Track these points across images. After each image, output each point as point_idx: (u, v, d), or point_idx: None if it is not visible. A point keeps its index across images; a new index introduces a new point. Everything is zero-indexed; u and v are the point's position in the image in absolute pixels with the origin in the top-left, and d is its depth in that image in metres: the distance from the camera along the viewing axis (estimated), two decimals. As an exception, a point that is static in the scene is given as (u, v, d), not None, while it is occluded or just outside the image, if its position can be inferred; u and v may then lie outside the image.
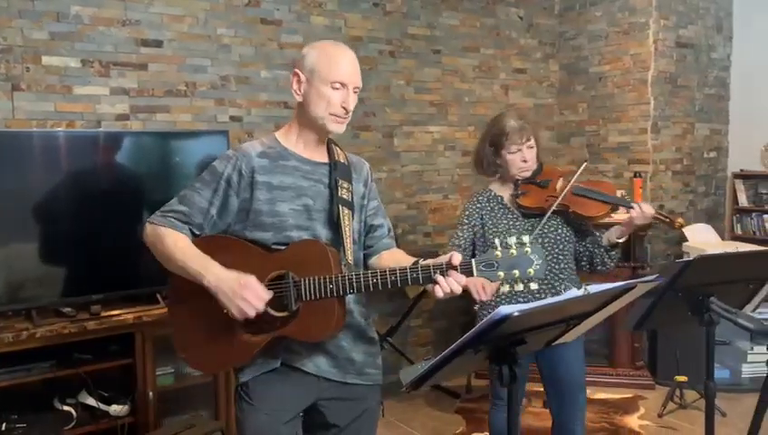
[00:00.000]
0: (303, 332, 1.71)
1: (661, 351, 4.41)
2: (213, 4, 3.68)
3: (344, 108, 1.75)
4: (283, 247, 1.74)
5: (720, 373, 4.30)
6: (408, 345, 4.51)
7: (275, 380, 1.78)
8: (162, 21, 3.53)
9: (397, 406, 4.01)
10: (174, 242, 1.74)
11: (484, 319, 1.25)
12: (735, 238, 4.87)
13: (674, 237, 4.78)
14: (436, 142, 4.61)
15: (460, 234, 2.56)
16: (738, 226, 4.95)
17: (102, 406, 2.93)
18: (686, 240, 4.56)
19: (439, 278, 1.62)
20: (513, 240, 1.59)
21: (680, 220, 2.46)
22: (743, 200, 4.95)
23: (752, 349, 4.26)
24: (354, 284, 1.66)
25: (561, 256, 2.48)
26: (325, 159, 1.86)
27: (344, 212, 1.81)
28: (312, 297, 1.67)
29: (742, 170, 4.98)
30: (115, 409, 2.93)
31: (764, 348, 4.31)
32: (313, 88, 1.75)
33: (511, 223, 2.49)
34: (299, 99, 1.79)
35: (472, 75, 4.75)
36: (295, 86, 1.79)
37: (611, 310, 1.61)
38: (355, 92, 1.79)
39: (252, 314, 1.64)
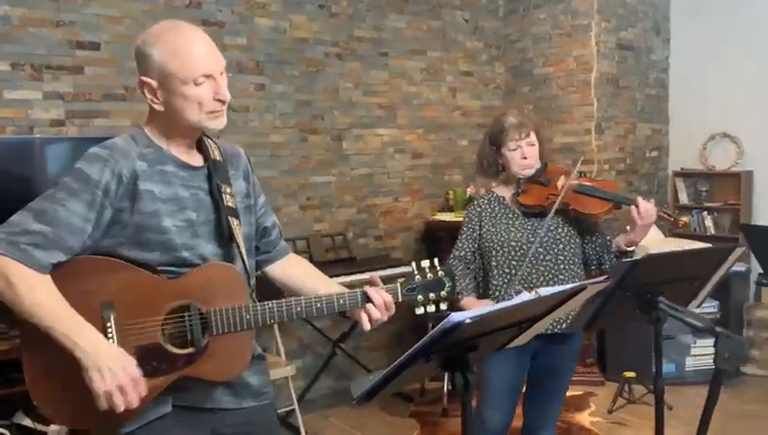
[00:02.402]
0: (214, 370, 1.49)
1: (609, 348, 4.50)
2: (152, 5, 3.57)
3: (219, 100, 1.47)
4: (180, 270, 1.48)
5: (665, 367, 4.38)
6: (360, 350, 4.46)
7: (168, 426, 1.51)
8: (98, 22, 3.40)
9: (349, 413, 3.96)
10: (29, 290, 1.33)
11: (435, 327, 1.22)
12: (677, 235, 5.00)
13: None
14: (386, 145, 4.59)
15: (461, 244, 2.46)
16: (662, 223, 5.07)
17: (40, 427, 2.79)
18: (631, 238, 4.67)
19: (370, 307, 1.56)
20: (426, 263, 1.61)
21: (684, 219, 2.36)
22: (683, 198, 5.09)
23: (695, 343, 4.39)
24: (276, 313, 1.50)
25: (560, 257, 2.40)
26: (201, 161, 1.57)
27: (234, 223, 1.55)
28: (225, 330, 1.47)
29: (682, 169, 5.12)
30: (53, 429, 2.80)
31: (707, 342, 4.45)
32: (174, 93, 1.44)
33: (510, 223, 2.42)
34: (159, 108, 1.47)
35: (419, 78, 4.75)
36: (149, 96, 1.46)
37: (564, 311, 1.61)
38: (223, 74, 1.49)
39: (121, 410, 1.35)
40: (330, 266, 3.70)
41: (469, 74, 5.05)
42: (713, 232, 4.90)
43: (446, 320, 1.17)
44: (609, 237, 2.46)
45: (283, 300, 1.54)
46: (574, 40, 4.80)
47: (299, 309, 1.53)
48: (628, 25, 4.89)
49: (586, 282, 1.48)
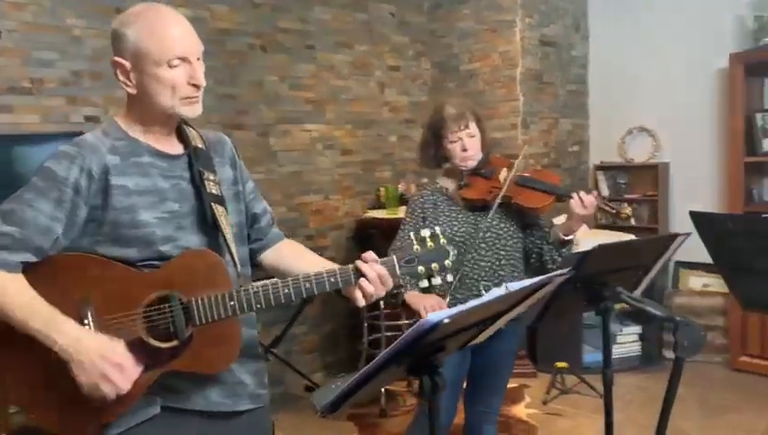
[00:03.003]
0: (201, 362, 1.41)
1: (540, 339, 4.56)
2: (60, -9, 3.28)
3: (194, 85, 1.42)
4: (160, 264, 1.42)
5: (593, 356, 4.53)
6: (293, 354, 4.32)
7: (157, 429, 1.44)
8: (1, 9, 3.09)
9: (285, 418, 3.81)
10: (1, 289, 1.31)
11: (410, 329, 1.12)
12: (600, 227, 5.15)
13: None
14: (315, 141, 4.46)
15: (403, 235, 2.36)
16: (601, 214, 5.23)
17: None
18: (558, 230, 4.76)
19: (364, 282, 1.46)
20: (426, 232, 1.48)
21: (626, 211, 2.33)
22: (604, 190, 5.24)
23: (620, 331, 4.53)
24: (262, 297, 1.41)
25: (501, 252, 2.35)
26: (181, 150, 1.51)
27: (219, 211, 1.49)
28: (209, 320, 1.40)
29: (602, 162, 5.27)
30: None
31: (632, 330, 4.60)
32: (147, 75, 1.40)
33: (453, 216, 2.37)
34: (132, 91, 1.43)
35: (347, 72, 4.64)
36: (122, 78, 1.43)
37: (524, 307, 1.56)
38: (200, 60, 1.44)
39: (112, 397, 1.32)
40: (261, 268, 3.53)
41: (396, 69, 4.99)
42: (633, 223, 5.06)
43: (421, 321, 1.08)
44: (546, 229, 2.46)
45: (269, 282, 1.45)
46: (499, 36, 4.83)
47: (287, 291, 1.43)
48: (550, 22, 4.98)
49: (551, 274, 1.43)
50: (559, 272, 1.49)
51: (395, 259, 1.48)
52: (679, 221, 4.93)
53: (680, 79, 4.78)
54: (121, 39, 1.42)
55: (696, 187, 4.79)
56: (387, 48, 4.92)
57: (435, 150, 2.41)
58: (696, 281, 4.77)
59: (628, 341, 4.58)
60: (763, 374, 4.19)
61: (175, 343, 1.39)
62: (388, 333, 3.96)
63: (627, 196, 5.12)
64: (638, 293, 2.28)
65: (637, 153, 5.09)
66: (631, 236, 4.57)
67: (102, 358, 1.30)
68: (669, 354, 4.59)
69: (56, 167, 1.39)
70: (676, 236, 2.10)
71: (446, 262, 1.47)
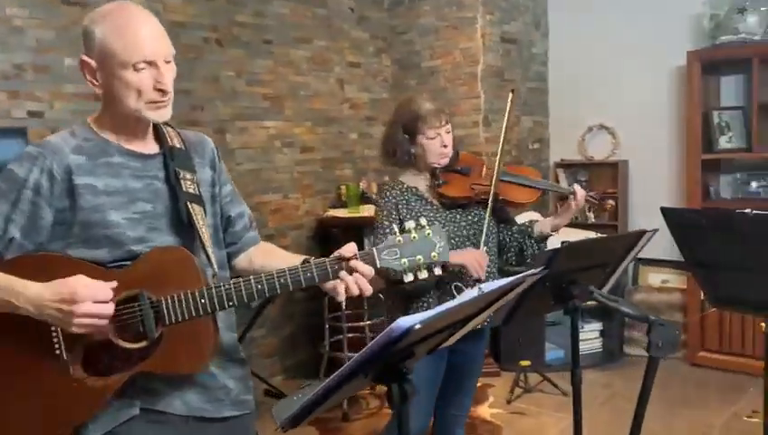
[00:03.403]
0: (171, 364, 1.38)
1: (504, 338, 4.53)
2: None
3: (160, 90, 1.39)
4: (129, 263, 1.38)
5: (555, 354, 4.53)
6: (252, 358, 4.18)
7: (137, 431, 1.41)
8: (-69, -5, 2.89)
9: (245, 425, 3.68)
10: None
11: (378, 336, 1.04)
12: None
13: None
14: (273, 138, 4.33)
15: (382, 229, 2.25)
16: (587, 207, 5.23)
17: None
18: (520, 228, 4.75)
19: (344, 274, 1.39)
20: (411, 224, 1.41)
21: (610, 202, 2.35)
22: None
23: (582, 328, 4.53)
24: (234, 294, 1.36)
25: (486, 250, 2.30)
26: (156, 149, 1.49)
27: (195, 210, 1.47)
28: (179, 319, 1.36)
29: (562, 160, 5.28)
30: None
31: (594, 326, 4.61)
32: (113, 76, 1.37)
33: (432, 216, 2.27)
34: (98, 91, 1.42)
35: (306, 68, 4.53)
36: (89, 77, 1.41)
37: (495, 308, 1.49)
38: (168, 63, 1.41)
39: (103, 323, 1.30)
40: (218, 270, 3.40)
41: (356, 66, 4.90)
42: (593, 220, 5.08)
43: (392, 327, 0.99)
44: (527, 223, 2.41)
45: (241, 278, 1.40)
46: (460, 32, 4.79)
47: (260, 287, 1.38)
48: (511, 19, 4.96)
49: (525, 274, 1.37)
50: (531, 271, 1.42)
51: (375, 251, 1.42)
52: (639, 218, 4.97)
53: (639, 77, 4.81)
54: (89, 37, 1.38)
55: (655, 184, 4.83)
56: (347, 44, 4.83)
57: (407, 148, 2.30)
58: (655, 277, 4.82)
59: (589, 338, 4.59)
60: (720, 369, 4.24)
61: (144, 343, 1.35)
62: (351, 335, 3.87)
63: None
64: (605, 290, 2.25)
65: (597, 151, 5.12)
66: (592, 234, 4.59)
67: (61, 301, 1.27)
68: (631, 351, 4.63)
69: (18, 168, 1.37)
70: (643, 232, 2.07)
71: (433, 254, 1.39)
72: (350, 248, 1.42)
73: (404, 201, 2.29)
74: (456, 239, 2.27)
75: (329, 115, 4.68)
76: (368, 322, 3.81)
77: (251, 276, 1.40)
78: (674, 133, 4.72)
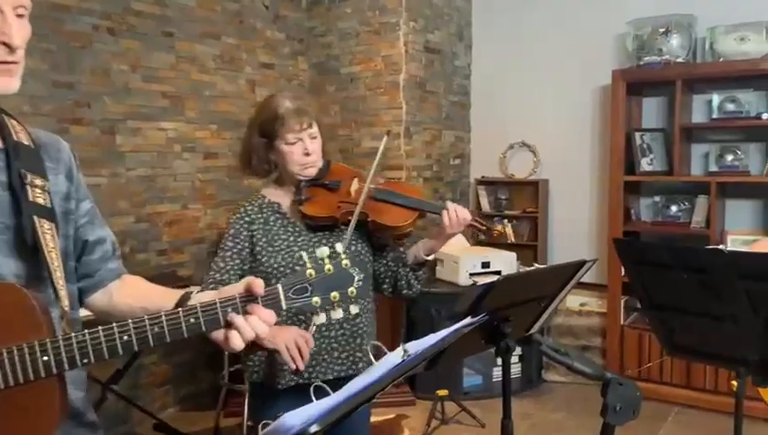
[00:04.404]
0: None
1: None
2: None
3: (4, 43, 1.05)
4: None
5: (472, 380, 4.30)
6: (140, 389, 3.71)
7: None
8: None
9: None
10: None
11: None
12: (480, 243, 4.96)
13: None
14: (172, 142, 3.89)
15: (223, 266, 1.85)
16: (472, 232, 5.04)
17: None
18: (439, 247, 4.51)
19: (238, 321, 1.06)
20: (324, 252, 1.10)
21: (499, 228, 2.06)
22: (485, 205, 5.07)
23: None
24: (91, 349, 1.01)
25: (360, 281, 1.92)
26: None
27: (44, 227, 1.13)
28: (12, 382, 1.00)
29: (483, 177, 5.10)
30: None
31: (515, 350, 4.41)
32: None
33: (292, 239, 1.91)
34: None
35: (213, 66, 4.12)
36: None
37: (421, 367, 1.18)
38: (20, 15, 1.08)
39: None
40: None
41: (270, 67, 4.53)
42: (512, 240, 4.92)
43: (275, 427, 0.65)
44: (401, 249, 2.06)
45: (101, 327, 1.04)
46: (382, 38, 4.52)
47: (126, 338, 1.03)
48: (435, 28, 4.74)
49: (461, 324, 1.07)
50: (475, 320, 1.13)
51: (280, 289, 1.09)
52: (558, 238, 4.85)
53: (562, 95, 4.71)
54: None
55: (576, 204, 4.72)
56: (260, 43, 4.45)
57: (264, 154, 1.91)
58: (573, 300, 4.69)
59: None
60: (638, 396, 4.13)
61: None
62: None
63: (507, 212, 4.99)
64: (537, 325, 2.00)
65: (517, 169, 4.97)
66: (512, 254, 4.42)
67: None
68: (549, 377, 4.46)
69: None
70: (583, 263, 1.83)
71: (351, 289, 1.10)
72: (258, 285, 1.08)
73: (261, 220, 1.90)
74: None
75: (237, 119, 4.27)
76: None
77: (114, 324, 1.04)
78: (596, 153, 4.63)
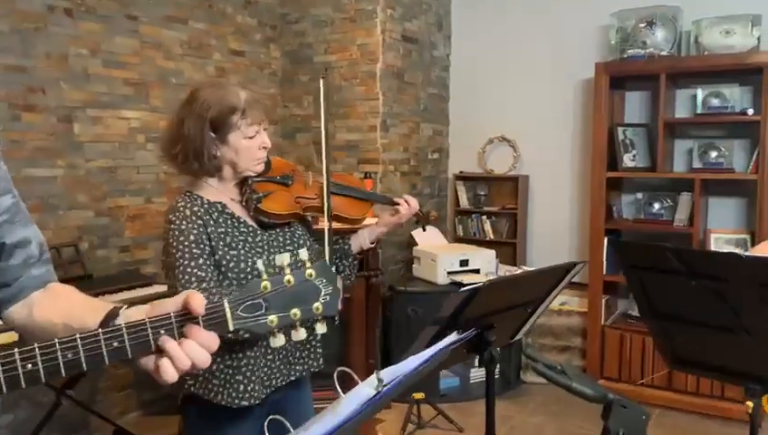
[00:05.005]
0: None
1: (395, 363, 4.10)
2: None
3: None
4: None
5: (449, 382, 4.16)
6: (99, 393, 3.50)
7: None
8: None
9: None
10: None
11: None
12: (458, 240, 4.83)
13: (403, 241, 4.55)
14: (135, 131, 3.67)
15: (202, 274, 1.61)
16: (460, 227, 4.92)
17: None
18: (416, 244, 4.36)
19: (170, 346, 0.86)
20: (285, 259, 0.90)
21: (434, 213, 2.29)
22: (463, 201, 4.94)
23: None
24: None
25: None
26: None
27: None
28: None
29: (461, 172, 4.96)
30: None
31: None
32: None
33: (249, 241, 1.72)
34: None
35: (179, 52, 3.90)
36: None
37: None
38: None
39: None
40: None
41: (240, 54, 4.32)
42: (491, 237, 4.80)
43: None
44: (342, 239, 1.97)
45: (3, 354, 0.84)
46: (358, 26, 4.34)
47: (30, 367, 0.82)
48: (413, 16, 4.57)
49: (446, 343, 0.91)
50: (462, 337, 0.97)
51: (227, 306, 0.89)
52: (538, 236, 4.74)
53: (543, 89, 4.58)
54: None
55: (557, 201, 4.61)
56: (230, 29, 4.24)
57: (215, 150, 1.69)
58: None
59: (486, 364, 4.25)
60: (619, 398, 4.03)
61: None
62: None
63: (486, 208, 4.85)
64: (522, 332, 1.86)
65: (497, 164, 4.83)
66: (491, 251, 4.28)
67: None
68: (528, 378, 4.34)
69: None
70: (573, 265, 1.69)
71: (316, 305, 0.90)
72: (197, 302, 0.88)
73: (212, 223, 1.68)
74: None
75: (205, 109, 4.07)
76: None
77: (15, 350, 0.84)
78: (577, 149, 4.52)
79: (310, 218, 1.95)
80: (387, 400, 0.82)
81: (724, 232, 3.88)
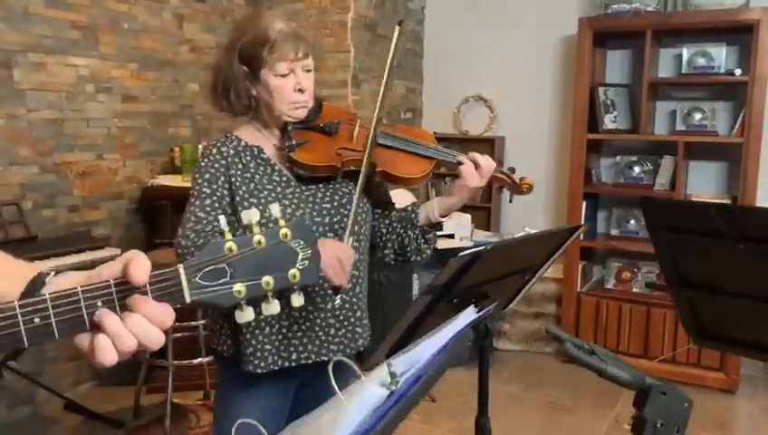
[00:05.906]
0: None
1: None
2: None
3: None
4: None
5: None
6: (47, 364, 3.25)
7: None
8: None
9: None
10: None
11: None
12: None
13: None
14: (84, 81, 3.35)
15: (202, 214, 1.47)
16: (433, 190, 4.73)
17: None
18: (388, 207, 4.16)
19: (109, 321, 0.68)
20: (253, 215, 0.72)
21: (528, 180, 1.69)
22: (437, 164, 4.74)
23: (452, 320, 4.06)
24: None
25: (355, 244, 1.57)
26: None
27: None
28: None
29: (435, 133, 4.72)
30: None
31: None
32: None
33: (280, 191, 1.54)
34: None
35: (133, -6, 3.58)
36: None
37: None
38: None
39: None
40: (-13, 253, 2.46)
41: (200, 0, 4.00)
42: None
43: None
44: (410, 207, 1.71)
45: None
46: (328, -29, 4.05)
47: None
48: (387, -36, 4.30)
49: (465, 323, 0.72)
50: (487, 309, 0.78)
51: (182, 272, 0.70)
52: (514, 199, 4.58)
53: (521, 46, 4.37)
54: None
55: (534, 163, 4.44)
56: (189, -28, 3.92)
57: (245, 86, 1.54)
58: (527, 265, 4.47)
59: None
60: (593, 365, 3.96)
61: None
62: (177, 335, 3.06)
63: (460, 171, 4.66)
64: (515, 301, 1.69)
65: (472, 125, 4.64)
66: (466, 216, 4.12)
67: None
68: (501, 345, 4.23)
69: None
70: (577, 227, 1.52)
71: (292, 271, 0.72)
72: (138, 267, 0.68)
73: (240, 165, 1.52)
74: (315, 228, 1.56)
75: (161, 58, 3.76)
76: (201, 321, 3.02)
77: None
78: (557, 109, 4.35)
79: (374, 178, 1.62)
80: (409, 404, 0.62)
81: (704, 197, 3.78)
